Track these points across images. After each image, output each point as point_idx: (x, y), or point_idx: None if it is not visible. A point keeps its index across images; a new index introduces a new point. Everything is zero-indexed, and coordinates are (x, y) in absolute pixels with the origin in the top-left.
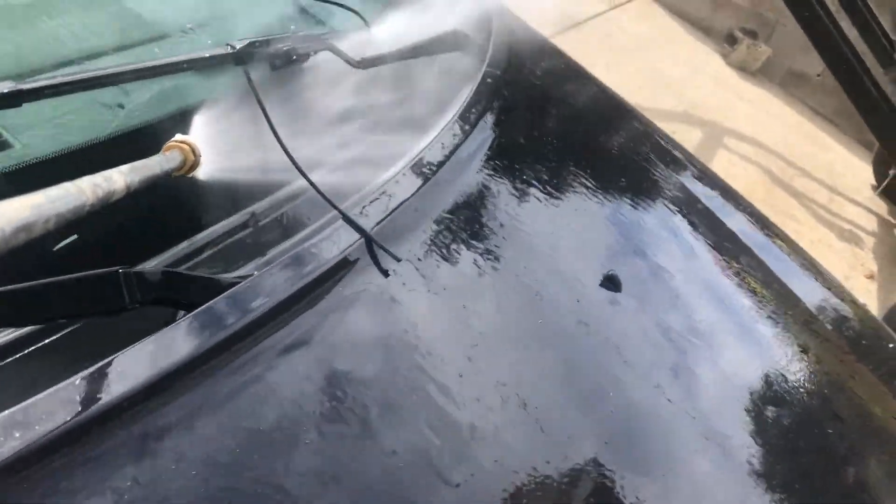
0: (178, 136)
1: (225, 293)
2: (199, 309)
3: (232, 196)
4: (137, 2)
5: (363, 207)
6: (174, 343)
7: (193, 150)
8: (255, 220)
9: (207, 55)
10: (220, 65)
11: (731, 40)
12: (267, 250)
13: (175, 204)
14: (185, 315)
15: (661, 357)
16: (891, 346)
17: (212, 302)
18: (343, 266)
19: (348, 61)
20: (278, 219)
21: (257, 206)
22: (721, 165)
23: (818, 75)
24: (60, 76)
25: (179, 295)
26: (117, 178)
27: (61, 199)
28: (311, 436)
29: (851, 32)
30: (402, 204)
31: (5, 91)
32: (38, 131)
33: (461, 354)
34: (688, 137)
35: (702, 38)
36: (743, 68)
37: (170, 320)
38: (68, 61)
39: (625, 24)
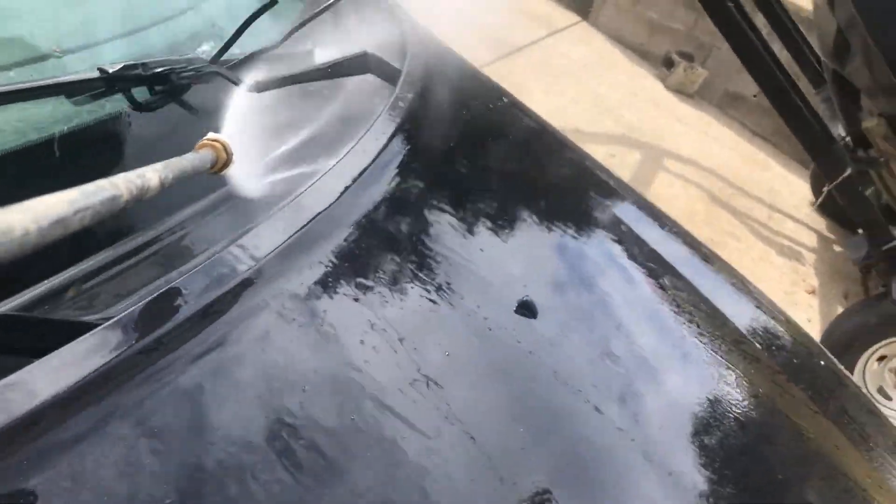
0: (211, 135)
1: (81, 337)
2: (46, 357)
3: (103, 231)
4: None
5: (258, 234)
6: (14, 396)
7: (226, 149)
8: (128, 256)
9: (77, 79)
10: (91, 91)
11: (669, 63)
12: (142, 287)
13: None
14: (30, 362)
15: (582, 382)
16: (822, 363)
17: (64, 348)
18: (223, 304)
19: (235, 83)
20: (157, 252)
21: (131, 240)
22: (661, 187)
23: (754, 96)
24: None
25: (24, 342)
26: (151, 176)
27: (96, 194)
28: None
29: (783, 55)
30: (298, 231)
31: None
32: None
33: (368, 393)
34: (627, 160)
35: (639, 62)
36: (681, 91)
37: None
38: None
39: (563, 50)
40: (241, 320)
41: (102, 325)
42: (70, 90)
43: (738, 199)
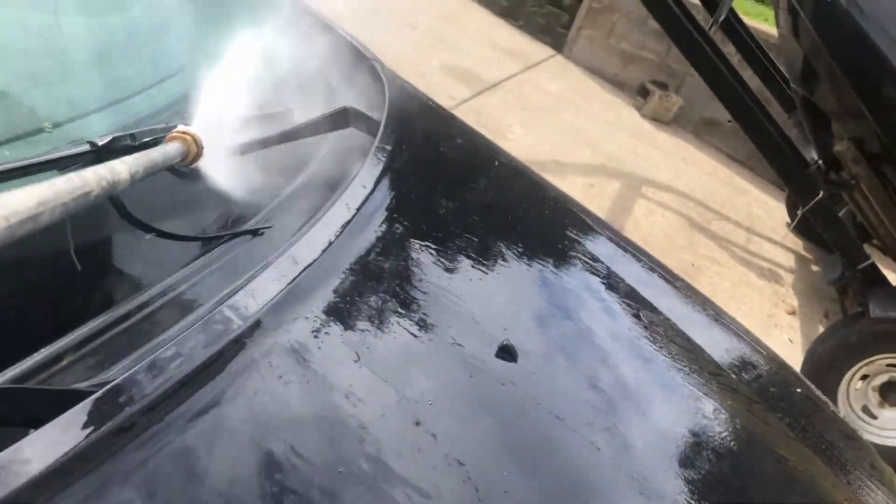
0: (181, 127)
1: (78, 405)
2: (45, 426)
3: (96, 294)
4: None
5: (247, 291)
6: (14, 468)
7: (196, 141)
8: (118, 322)
9: (67, 154)
10: (82, 164)
11: (644, 93)
12: (135, 350)
13: (29, 305)
14: (29, 433)
15: (566, 417)
16: (798, 390)
17: (62, 416)
18: (217, 364)
19: (225, 146)
20: (150, 315)
21: (122, 306)
22: (641, 214)
23: (729, 121)
24: None
25: (25, 412)
26: (121, 169)
27: (66, 190)
28: None
29: (753, 82)
30: (291, 282)
31: None
32: None
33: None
34: (607, 190)
35: (615, 92)
36: (656, 119)
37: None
38: None
39: (539, 84)
40: (233, 380)
41: (98, 392)
42: (62, 164)
43: (716, 224)
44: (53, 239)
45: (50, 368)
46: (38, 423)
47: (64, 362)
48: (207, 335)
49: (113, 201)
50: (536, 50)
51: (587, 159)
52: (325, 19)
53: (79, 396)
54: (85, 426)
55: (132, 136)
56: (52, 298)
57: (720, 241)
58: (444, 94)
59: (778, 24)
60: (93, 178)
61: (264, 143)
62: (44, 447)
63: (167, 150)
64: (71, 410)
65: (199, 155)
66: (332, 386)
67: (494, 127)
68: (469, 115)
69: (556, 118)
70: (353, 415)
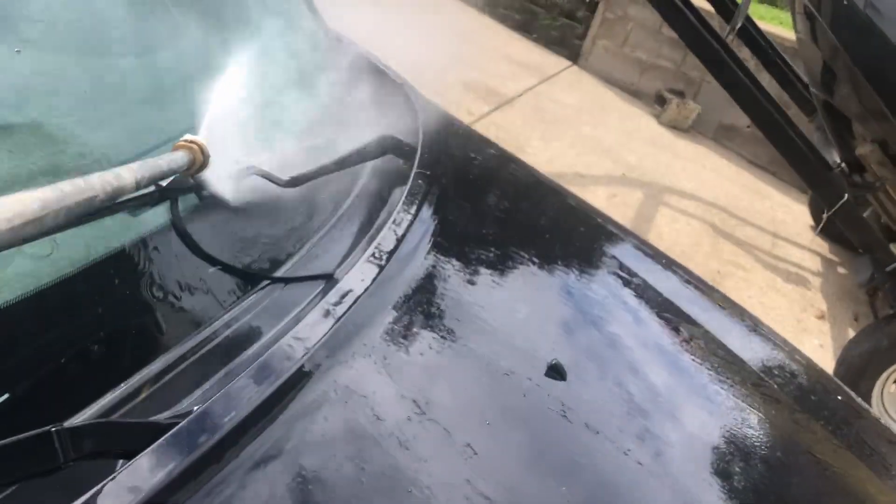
0: (188, 136)
1: (165, 436)
2: (139, 457)
3: (169, 329)
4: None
5: (312, 312)
6: (118, 495)
7: (202, 150)
8: (190, 354)
9: (135, 196)
10: (147, 204)
11: (661, 101)
12: (205, 382)
13: (108, 345)
14: (124, 465)
15: (616, 429)
16: (838, 397)
17: (152, 447)
18: (287, 388)
19: (277, 182)
20: (213, 350)
21: (191, 340)
22: (664, 223)
23: (748, 127)
24: None
25: (116, 445)
26: (127, 175)
27: (71, 193)
28: None
29: (772, 87)
30: (348, 310)
31: None
32: None
33: (440, 452)
34: (629, 200)
35: (632, 102)
36: (675, 126)
37: (105, 472)
38: None
39: (557, 96)
40: (303, 408)
41: (182, 423)
42: (132, 205)
43: (741, 230)
44: (123, 276)
45: (131, 401)
46: (130, 454)
47: (142, 396)
48: (274, 366)
49: (182, 236)
50: (552, 62)
51: (608, 169)
52: (357, 45)
53: (164, 428)
54: (173, 455)
55: (192, 176)
56: (129, 333)
57: (745, 246)
58: (464, 109)
59: (796, 29)
60: (98, 182)
61: (310, 177)
62: (141, 477)
63: (173, 159)
64: (158, 441)
65: (204, 164)
66: (397, 409)
67: (514, 141)
68: (489, 130)
69: (575, 129)
70: (418, 438)
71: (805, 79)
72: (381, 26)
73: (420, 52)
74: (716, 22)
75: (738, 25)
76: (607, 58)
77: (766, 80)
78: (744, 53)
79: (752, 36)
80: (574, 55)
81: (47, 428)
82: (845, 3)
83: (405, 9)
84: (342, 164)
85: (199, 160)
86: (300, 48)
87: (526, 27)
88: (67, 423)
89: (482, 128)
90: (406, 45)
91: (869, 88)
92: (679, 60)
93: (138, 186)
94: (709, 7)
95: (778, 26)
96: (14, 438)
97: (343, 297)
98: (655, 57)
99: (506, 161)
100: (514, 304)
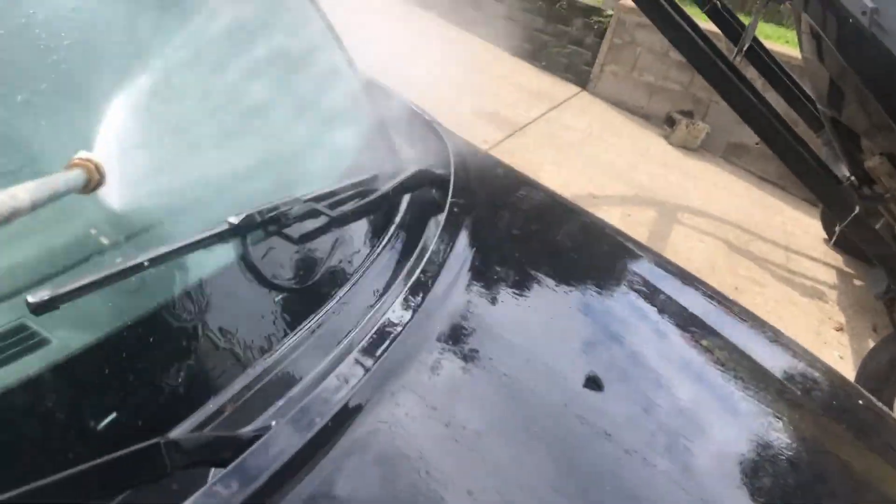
0: (83, 153)
1: (251, 447)
2: (231, 466)
3: (244, 350)
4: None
5: (362, 342)
6: (220, 499)
7: (98, 169)
8: (266, 373)
9: (211, 234)
10: (221, 241)
11: (670, 122)
12: (280, 398)
13: (199, 367)
14: (219, 474)
15: (652, 442)
16: (860, 402)
17: (241, 458)
18: (353, 407)
19: (327, 214)
20: (286, 368)
21: (266, 358)
22: (679, 241)
23: (757, 144)
24: (88, 275)
25: (212, 455)
26: (23, 196)
27: None
28: None
29: (779, 104)
30: (396, 337)
31: (45, 298)
32: (69, 325)
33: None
34: (642, 219)
35: (642, 124)
36: (685, 146)
37: (199, 480)
38: (84, 258)
39: (567, 121)
40: (370, 419)
41: (265, 436)
42: (206, 244)
43: (755, 245)
44: (199, 309)
45: (218, 417)
46: (224, 462)
47: (227, 412)
48: (340, 384)
49: (250, 269)
50: (561, 89)
51: (621, 191)
52: (385, 84)
53: (250, 441)
54: (260, 465)
55: (259, 212)
56: (212, 356)
57: (759, 261)
58: (479, 137)
59: (801, 48)
60: None
61: (359, 210)
62: (238, 484)
63: (69, 178)
64: (247, 451)
65: (101, 182)
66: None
67: (528, 166)
68: (504, 157)
69: (587, 153)
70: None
71: (812, 96)
72: (396, 60)
73: (435, 84)
74: (723, 44)
75: (746, 47)
76: (616, 82)
77: (773, 97)
78: (751, 73)
79: (758, 56)
80: (583, 81)
81: (156, 440)
82: (850, 21)
83: (417, 42)
84: (384, 199)
85: (95, 178)
86: (338, 94)
87: (535, 56)
88: (172, 435)
89: (497, 155)
90: (422, 76)
91: (876, 105)
92: (687, 82)
93: (34, 207)
94: (716, 29)
95: (784, 45)
96: (128, 450)
97: (389, 328)
98: (663, 80)
99: (529, 186)
100: (550, 324)
